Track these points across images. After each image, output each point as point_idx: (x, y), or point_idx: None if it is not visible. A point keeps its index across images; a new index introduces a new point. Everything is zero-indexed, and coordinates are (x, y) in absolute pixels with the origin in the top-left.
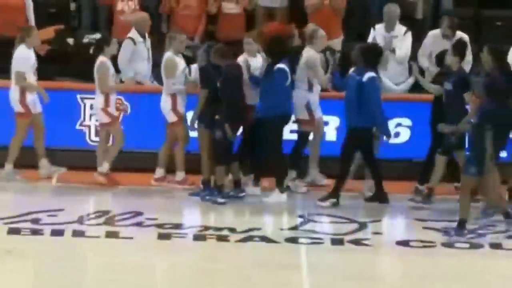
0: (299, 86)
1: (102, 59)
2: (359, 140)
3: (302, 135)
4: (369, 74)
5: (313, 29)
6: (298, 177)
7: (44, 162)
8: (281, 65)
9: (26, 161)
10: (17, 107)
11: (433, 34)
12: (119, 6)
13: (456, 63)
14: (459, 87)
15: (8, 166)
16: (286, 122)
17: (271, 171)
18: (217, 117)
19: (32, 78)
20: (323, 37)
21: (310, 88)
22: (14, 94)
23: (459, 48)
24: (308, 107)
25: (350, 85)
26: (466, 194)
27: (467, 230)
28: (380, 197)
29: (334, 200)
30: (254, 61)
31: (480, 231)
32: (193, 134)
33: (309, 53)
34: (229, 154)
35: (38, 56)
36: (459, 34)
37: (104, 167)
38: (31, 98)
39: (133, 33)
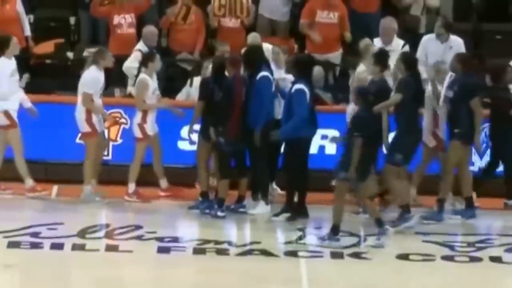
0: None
1: (143, 76)
2: (293, 150)
3: None
4: (297, 86)
5: (366, 44)
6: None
7: (92, 182)
8: (264, 73)
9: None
10: (84, 127)
11: (428, 36)
12: (116, 20)
13: (377, 72)
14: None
15: (87, 187)
16: (272, 128)
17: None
18: (219, 128)
19: (98, 100)
20: None
21: None
22: (80, 114)
23: (380, 58)
24: None
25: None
26: (340, 198)
27: (339, 237)
28: (297, 210)
29: (289, 214)
30: (280, 72)
31: (479, 245)
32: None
33: (359, 69)
34: (233, 168)
35: (36, 69)
36: (454, 38)
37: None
38: (96, 117)
39: (141, 46)
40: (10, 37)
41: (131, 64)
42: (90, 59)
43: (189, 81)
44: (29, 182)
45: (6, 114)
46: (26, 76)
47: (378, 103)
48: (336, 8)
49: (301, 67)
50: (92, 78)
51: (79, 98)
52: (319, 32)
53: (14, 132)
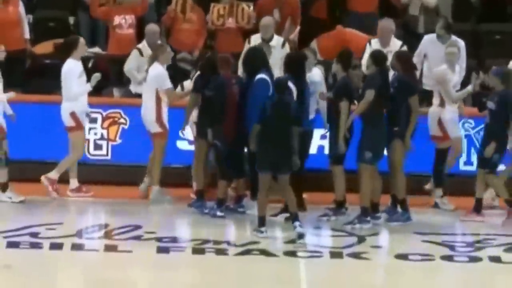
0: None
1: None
2: None
3: (438, 152)
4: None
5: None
6: (444, 194)
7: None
8: (261, 75)
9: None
10: (155, 128)
11: (429, 37)
12: (116, 20)
13: (340, 71)
14: (335, 95)
15: (155, 188)
16: None
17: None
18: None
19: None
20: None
21: (442, 103)
22: (149, 115)
23: (343, 57)
24: (440, 124)
25: None
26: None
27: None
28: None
29: (287, 214)
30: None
31: (478, 245)
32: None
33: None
34: (232, 169)
35: (34, 69)
36: (455, 38)
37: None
38: (165, 116)
39: (142, 45)
40: (78, 38)
41: (129, 63)
42: (151, 57)
43: (179, 87)
44: (75, 182)
45: (73, 115)
46: (97, 75)
47: (341, 99)
48: None
49: (288, 65)
50: (161, 73)
51: (146, 98)
52: None
53: (77, 134)
